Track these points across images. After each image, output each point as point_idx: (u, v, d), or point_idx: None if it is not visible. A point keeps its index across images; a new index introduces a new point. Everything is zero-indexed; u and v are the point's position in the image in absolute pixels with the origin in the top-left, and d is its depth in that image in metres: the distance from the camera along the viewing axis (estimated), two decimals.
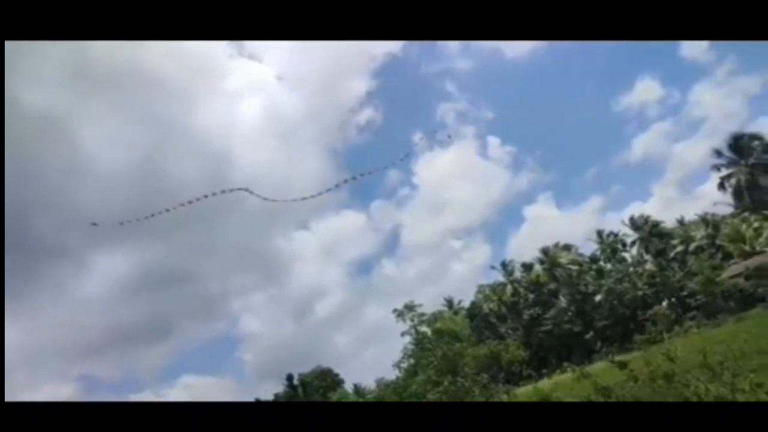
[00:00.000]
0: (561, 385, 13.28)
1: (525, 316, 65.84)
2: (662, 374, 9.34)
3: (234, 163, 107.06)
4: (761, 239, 50.11)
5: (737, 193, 56.37)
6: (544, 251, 69.63)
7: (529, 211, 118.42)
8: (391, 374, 66.27)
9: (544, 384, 14.17)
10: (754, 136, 56.29)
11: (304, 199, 14.97)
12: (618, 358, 11.67)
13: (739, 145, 56.06)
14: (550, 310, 64.29)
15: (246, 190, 13.15)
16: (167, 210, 12.74)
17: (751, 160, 55.44)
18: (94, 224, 12.50)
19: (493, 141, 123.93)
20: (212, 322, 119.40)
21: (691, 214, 65.92)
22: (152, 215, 12.63)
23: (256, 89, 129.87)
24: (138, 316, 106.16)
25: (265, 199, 13.33)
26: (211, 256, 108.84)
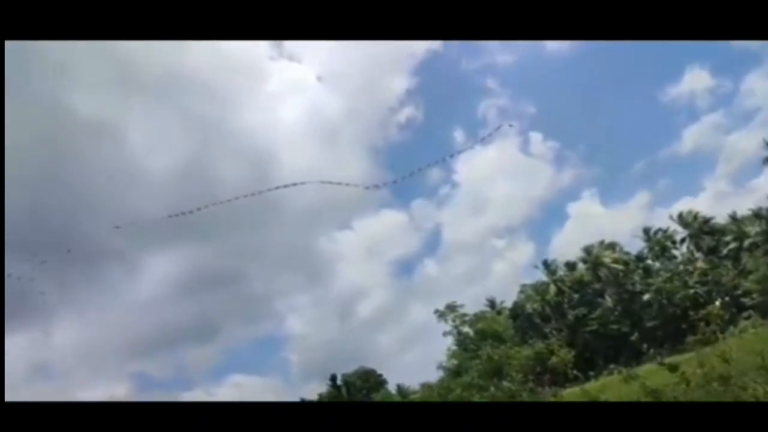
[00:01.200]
0: (608, 387, 13.12)
1: (570, 316, 64.63)
2: (717, 376, 9.20)
3: (277, 164, 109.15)
4: None
5: None
6: (587, 250, 68.18)
7: (574, 208, 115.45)
8: (435, 375, 66.28)
9: (592, 386, 14.05)
10: None
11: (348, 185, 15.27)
12: (669, 359, 11.51)
13: None
14: (596, 310, 62.92)
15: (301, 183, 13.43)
16: (213, 204, 13.14)
17: None
18: (117, 227, 12.91)
19: (535, 136, 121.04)
20: (259, 323, 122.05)
21: (744, 208, 63.24)
22: (198, 209, 13.06)
23: (297, 90, 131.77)
24: (187, 316, 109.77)
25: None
26: (257, 258, 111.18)
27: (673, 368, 9.97)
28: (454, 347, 68.91)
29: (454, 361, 65.99)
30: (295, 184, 14.67)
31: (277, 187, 14.68)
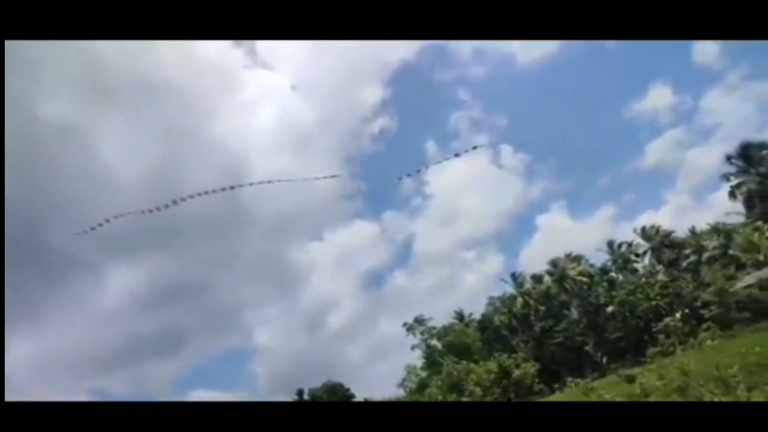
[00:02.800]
0: (568, 400, 13.04)
1: (536, 329, 65.35)
2: (676, 388, 9.27)
3: (249, 172, 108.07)
4: None
5: (748, 203, 55.94)
6: (554, 263, 69.29)
7: (542, 221, 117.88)
8: (403, 389, 66.02)
9: (554, 399, 14.08)
10: (763, 145, 55.95)
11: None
12: (630, 371, 11.56)
13: (749, 154, 55.75)
14: (562, 323, 63.77)
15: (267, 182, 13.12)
16: (174, 203, 12.74)
17: (762, 169, 55.08)
18: (78, 233, 12.42)
19: (506, 149, 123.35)
20: (226, 335, 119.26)
21: (704, 222, 65.42)
22: (158, 208, 12.60)
23: (270, 98, 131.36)
24: (151, 328, 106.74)
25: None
26: (226, 268, 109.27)
27: (630, 380, 10.02)
28: (419, 362, 69.07)
29: (423, 374, 65.92)
30: (261, 183, 14.34)
31: (232, 187, 14.35)
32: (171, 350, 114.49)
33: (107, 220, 12.64)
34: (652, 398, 9.31)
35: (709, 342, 9.37)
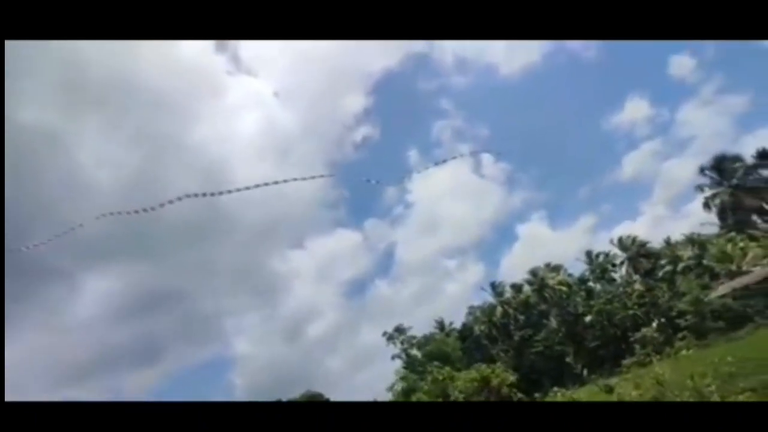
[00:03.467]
0: None
1: (516, 338, 65.76)
2: (651, 398, 9.37)
3: (230, 179, 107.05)
4: (747, 259, 50.60)
5: (722, 214, 57.18)
6: (533, 272, 69.94)
7: (522, 230, 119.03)
8: (384, 398, 65.61)
9: None
10: (736, 158, 57.35)
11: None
12: (608, 381, 11.67)
13: (722, 166, 57.10)
14: (541, 332, 64.28)
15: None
16: (152, 209, 12.47)
17: (734, 182, 56.43)
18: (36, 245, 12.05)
19: (487, 158, 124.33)
20: (203, 344, 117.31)
21: (680, 233, 66.70)
22: (136, 211, 12.33)
23: (253, 105, 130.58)
24: (127, 338, 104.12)
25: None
26: (204, 276, 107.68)
27: (608, 390, 10.12)
28: (402, 370, 68.79)
29: (404, 384, 65.78)
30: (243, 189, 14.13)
31: (212, 194, 14.10)
32: (147, 360, 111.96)
33: (80, 225, 12.27)
34: None
35: (684, 352, 9.52)
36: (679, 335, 52.02)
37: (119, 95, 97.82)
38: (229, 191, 13.88)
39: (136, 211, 12.83)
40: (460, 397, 12.30)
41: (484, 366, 12.75)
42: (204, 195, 13.64)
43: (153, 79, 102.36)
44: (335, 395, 75.30)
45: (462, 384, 12.50)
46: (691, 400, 8.81)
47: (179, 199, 13.17)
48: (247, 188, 14.01)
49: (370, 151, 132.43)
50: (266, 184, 13.89)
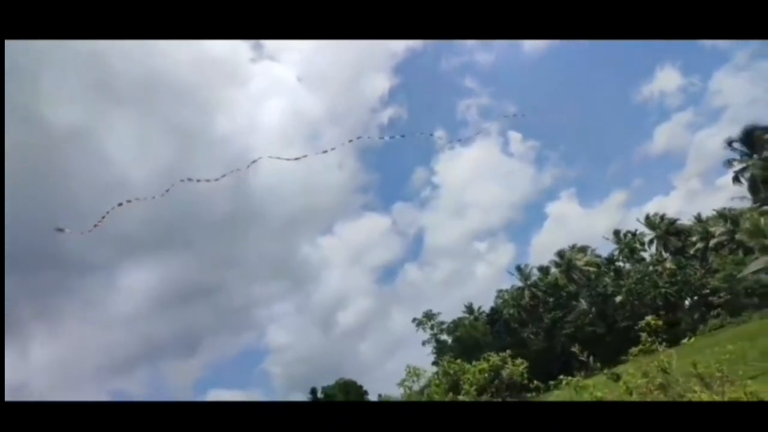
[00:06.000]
0: (561, 398, 13.09)
1: (546, 320, 65.37)
2: (657, 385, 9.51)
3: (260, 168, 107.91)
4: None
5: (753, 187, 55.49)
6: (560, 254, 69.23)
7: (552, 208, 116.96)
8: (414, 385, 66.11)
9: (545, 398, 14.31)
10: (766, 129, 55.48)
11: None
12: (624, 367, 11.79)
13: (752, 138, 55.33)
14: (571, 313, 63.77)
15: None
16: (119, 205, 12.82)
17: (765, 153, 54.67)
18: (60, 230, 12.36)
19: (515, 136, 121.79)
20: (240, 335, 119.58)
21: (714, 206, 64.90)
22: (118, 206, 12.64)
23: (277, 92, 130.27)
24: (166, 330, 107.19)
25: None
26: (238, 267, 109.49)
27: (616, 378, 10.27)
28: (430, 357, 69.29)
29: (437, 368, 65.93)
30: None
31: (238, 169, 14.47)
32: (187, 351, 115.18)
33: (110, 210, 12.44)
34: (635, 395, 9.63)
35: (684, 341, 9.61)
36: (713, 312, 51.18)
37: (145, 90, 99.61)
38: (253, 161, 14.05)
39: (145, 198, 13.18)
40: (472, 390, 12.59)
41: (494, 355, 13.01)
42: (208, 181, 13.90)
43: (177, 72, 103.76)
44: (368, 382, 76.51)
45: (472, 376, 12.79)
46: (696, 387, 8.99)
47: (207, 180, 13.53)
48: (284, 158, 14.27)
49: (398, 133, 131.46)
50: (296, 159, 14.13)
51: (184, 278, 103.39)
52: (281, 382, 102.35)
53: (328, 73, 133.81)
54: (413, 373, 13.61)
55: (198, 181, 13.95)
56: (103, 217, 12.37)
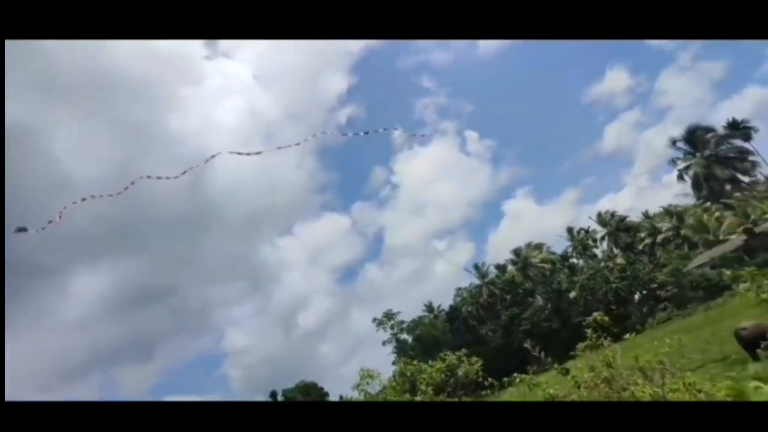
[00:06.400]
0: (514, 396, 13.21)
1: (503, 317, 66.57)
2: (603, 379, 9.77)
3: (217, 168, 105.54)
4: (723, 228, 51.63)
5: (696, 185, 58.10)
6: (516, 252, 70.68)
7: (509, 207, 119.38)
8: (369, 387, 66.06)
9: (500, 396, 14.48)
10: (708, 129, 58.16)
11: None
12: (572, 363, 12.04)
13: (694, 137, 57.89)
14: (528, 310, 65.14)
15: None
16: (110, 195, 12.40)
17: (706, 152, 57.28)
18: (22, 229, 11.72)
19: (472, 135, 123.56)
20: (198, 338, 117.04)
21: (662, 202, 67.55)
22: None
23: (233, 91, 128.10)
24: (120, 334, 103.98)
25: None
26: (196, 269, 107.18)
27: (565, 372, 10.50)
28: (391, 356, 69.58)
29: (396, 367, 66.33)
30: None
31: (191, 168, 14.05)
32: (142, 356, 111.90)
33: (64, 208, 11.95)
34: (583, 389, 9.83)
35: (627, 336, 9.96)
36: (661, 306, 53.21)
37: (94, 87, 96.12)
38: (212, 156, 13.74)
39: (101, 196, 12.66)
40: (429, 390, 12.65)
41: (450, 354, 13.08)
42: (183, 173, 13.51)
43: (128, 69, 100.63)
44: (329, 383, 76.13)
45: (428, 376, 12.83)
46: (639, 380, 9.23)
47: (159, 177, 13.10)
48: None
49: (355, 133, 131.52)
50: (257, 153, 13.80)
51: (139, 280, 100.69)
52: (240, 386, 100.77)
53: (284, 72, 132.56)
54: (367, 375, 13.57)
55: (159, 178, 13.46)
56: (60, 215, 11.86)
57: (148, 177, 13.25)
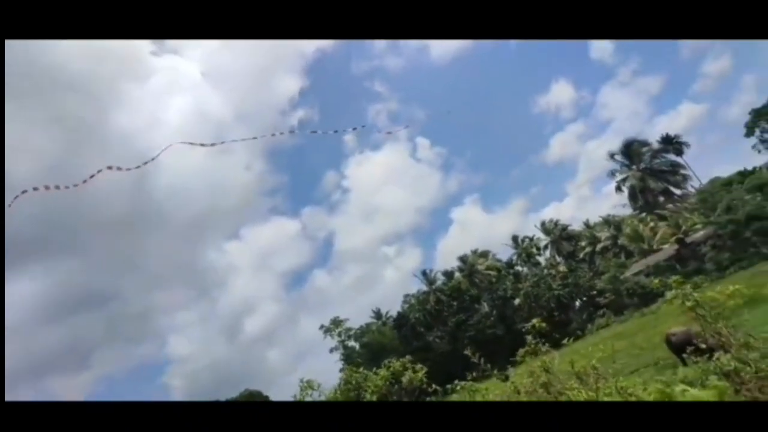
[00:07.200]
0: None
1: (450, 323, 67.34)
2: (541, 384, 9.97)
3: (161, 167, 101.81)
4: (657, 237, 54.27)
5: (632, 196, 60.94)
6: (463, 259, 71.78)
7: (457, 214, 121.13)
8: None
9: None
10: (643, 143, 61.24)
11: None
12: (516, 369, 12.23)
13: (631, 151, 60.78)
14: (474, 316, 66.17)
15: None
16: (57, 187, 11.70)
17: (642, 165, 60.25)
18: None
19: (423, 142, 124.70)
20: (138, 346, 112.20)
21: (602, 212, 70.44)
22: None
23: (180, 89, 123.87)
24: (54, 342, 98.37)
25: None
26: (137, 273, 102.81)
27: (505, 378, 10.67)
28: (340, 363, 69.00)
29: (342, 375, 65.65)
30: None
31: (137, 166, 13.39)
32: (78, 365, 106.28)
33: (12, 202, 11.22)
34: (523, 394, 9.97)
35: (565, 341, 10.27)
36: (600, 312, 55.23)
37: (29, 82, 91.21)
38: (153, 158, 13.27)
39: (47, 187, 11.93)
40: (374, 398, 12.57)
41: (395, 361, 13.05)
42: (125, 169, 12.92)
43: (68, 64, 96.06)
44: (275, 392, 74.61)
45: (373, 384, 12.75)
46: (575, 385, 9.40)
47: (100, 171, 12.49)
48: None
49: (307, 136, 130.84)
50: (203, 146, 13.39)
51: (77, 284, 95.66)
52: (183, 394, 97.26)
53: (234, 71, 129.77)
54: (307, 386, 13.32)
55: (119, 169, 12.78)
56: (9, 205, 11.10)
57: (109, 168, 12.57)
